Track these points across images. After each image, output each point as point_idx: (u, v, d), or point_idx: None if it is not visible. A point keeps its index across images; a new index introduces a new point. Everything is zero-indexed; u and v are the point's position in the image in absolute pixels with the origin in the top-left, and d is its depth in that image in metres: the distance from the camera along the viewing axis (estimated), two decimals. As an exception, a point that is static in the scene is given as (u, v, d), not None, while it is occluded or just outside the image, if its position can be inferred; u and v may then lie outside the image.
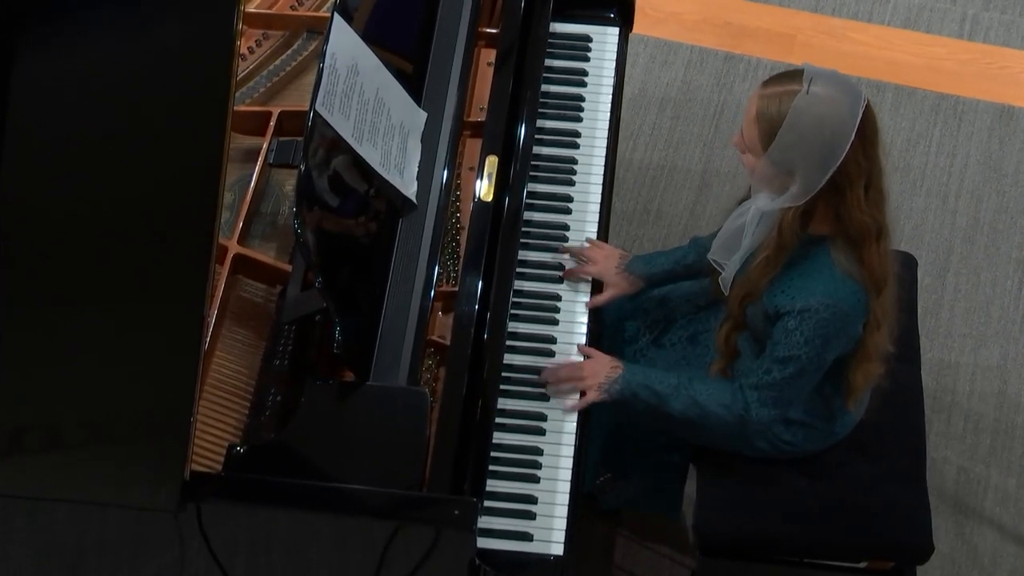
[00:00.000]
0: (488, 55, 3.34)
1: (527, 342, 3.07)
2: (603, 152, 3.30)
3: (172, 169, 2.57)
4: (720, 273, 2.98)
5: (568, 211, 3.23)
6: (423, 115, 3.16)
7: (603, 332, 3.23)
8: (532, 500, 2.88)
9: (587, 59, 3.42)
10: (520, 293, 3.12)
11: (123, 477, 2.62)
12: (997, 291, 4.10)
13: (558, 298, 3.13)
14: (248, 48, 3.31)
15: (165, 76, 2.58)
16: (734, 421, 2.96)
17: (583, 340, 3.07)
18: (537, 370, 3.02)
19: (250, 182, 3.10)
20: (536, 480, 2.90)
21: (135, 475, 2.62)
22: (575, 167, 3.28)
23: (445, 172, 3.11)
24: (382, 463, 2.72)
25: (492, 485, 2.86)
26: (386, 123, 3.02)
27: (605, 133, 3.33)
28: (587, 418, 3.01)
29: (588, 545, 3.62)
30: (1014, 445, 3.86)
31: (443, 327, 3.00)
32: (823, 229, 2.84)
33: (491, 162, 3.14)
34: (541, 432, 2.96)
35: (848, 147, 2.72)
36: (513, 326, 3.06)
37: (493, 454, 2.88)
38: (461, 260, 3.04)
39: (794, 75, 2.77)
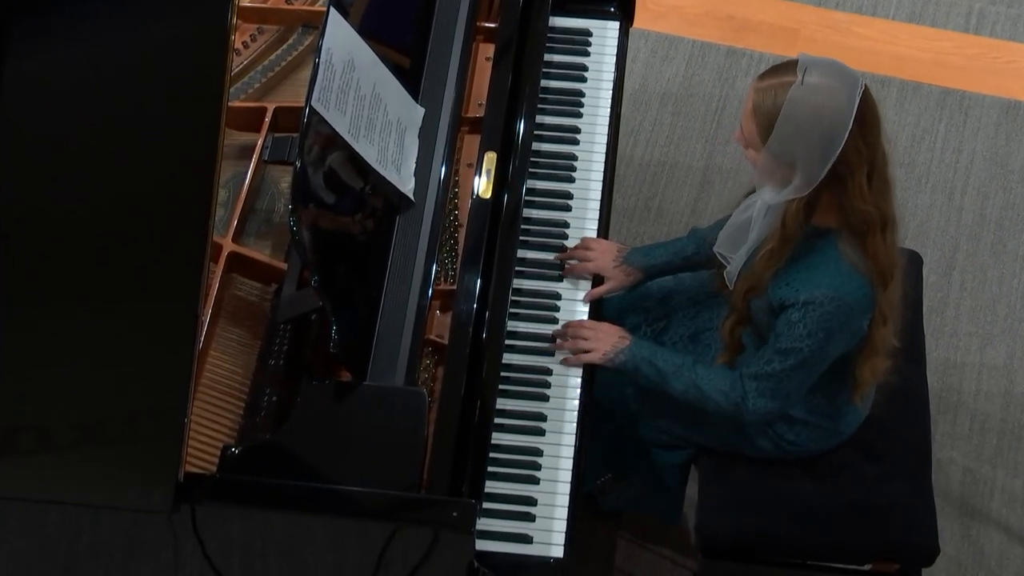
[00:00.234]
0: (487, 50, 3.34)
1: (526, 341, 3.07)
2: (603, 148, 3.30)
3: (165, 166, 2.57)
4: (725, 267, 2.99)
5: (568, 208, 3.23)
6: (420, 111, 3.16)
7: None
8: (532, 502, 2.88)
9: (587, 54, 3.42)
10: (519, 292, 3.12)
11: (116, 479, 2.62)
12: (1004, 289, 4.11)
13: (558, 296, 3.13)
14: (243, 43, 3.31)
15: (158, 71, 2.58)
16: (731, 409, 2.98)
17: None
18: (537, 369, 3.03)
19: (245, 179, 3.10)
20: (536, 481, 2.91)
21: (128, 477, 2.62)
22: (575, 164, 3.28)
23: (443, 169, 3.11)
24: (379, 464, 2.72)
25: (491, 486, 2.86)
26: (383, 119, 3.02)
27: (605, 129, 3.33)
28: (587, 418, 3.01)
29: (588, 547, 3.62)
30: (1021, 446, 3.86)
31: (441, 326, 3.00)
32: (829, 221, 2.85)
33: (490, 158, 3.14)
34: (541, 433, 2.96)
35: (847, 135, 2.72)
36: (512, 325, 3.06)
37: (492, 455, 2.88)
38: (459, 258, 3.05)
39: (789, 66, 2.77)
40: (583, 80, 3.39)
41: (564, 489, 2.90)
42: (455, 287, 2.99)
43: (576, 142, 3.31)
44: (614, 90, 3.38)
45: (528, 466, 2.92)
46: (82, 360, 2.59)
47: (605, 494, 3.47)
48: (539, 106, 3.30)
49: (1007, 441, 3.87)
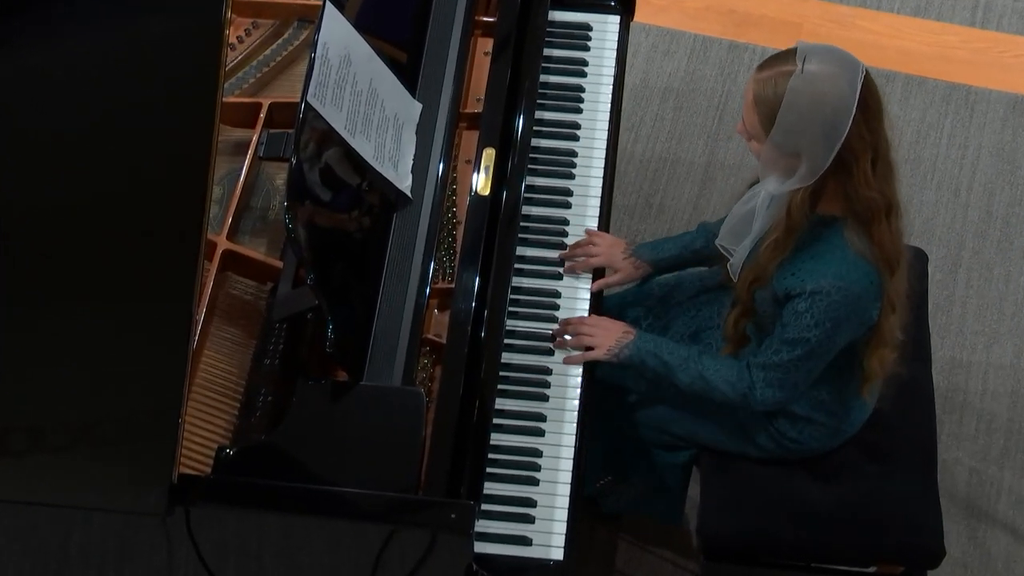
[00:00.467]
0: (485, 44, 3.34)
1: (526, 340, 3.07)
2: (604, 144, 3.30)
3: (159, 163, 2.58)
4: (729, 260, 2.99)
5: (568, 205, 3.24)
6: (418, 106, 3.16)
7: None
8: (531, 503, 2.88)
9: (587, 48, 3.42)
10: (518, 290, 3.12)
11: (109, 480, 2.62)
12: (1010, 287, 4.11)
13: (557, 295, 3.13)
14: (237, 37, 3.31)
15: (152, 67, 2.58)
16: (738, 400, 2.99)
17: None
18: (536, 369, 3.03)
19: (240, 176, 3.10)
20: (535, 483, 2.91)
21: (121, 478, 2.62)
22: (575, 160, 3.28)
23: (441, 165, 3.11)
24: (376, 465, 2.72)
25: (490, 488, 2.87)
26: (380, 115, 3.02)
27: (606, 125, 3.33)
28: (587, 419, 3.01)
29: (589, 549, 3.62)
30: (1028, 446, 3.87)
31: (439, 325, 3.00)
32: (834, 209, 2.85)
33: (488, 155, 3.14)
34: (540, 433, 2.96)
35: (850, 122, 2.73)
36: (511, 324, 3.07)
37: (491, 456, 2.89)
38: (457, 256, 3.05)
39: (788, 55, 2.78)
40: (583, 75, 3.39)
41: (564, 490, 2.90)
42: (453, 285, 2.99)
43: (576, 138, 3.31)
44: (614, 85, 3.38)
45: (527, 467, 2.92)
46: (75, 360, 2.59)
47: (605, 496, 3.48)
48: (538, 102, 3.30)
49: (1014, 441, 3.87)
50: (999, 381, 3.96)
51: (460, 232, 3.09)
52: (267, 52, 3.31)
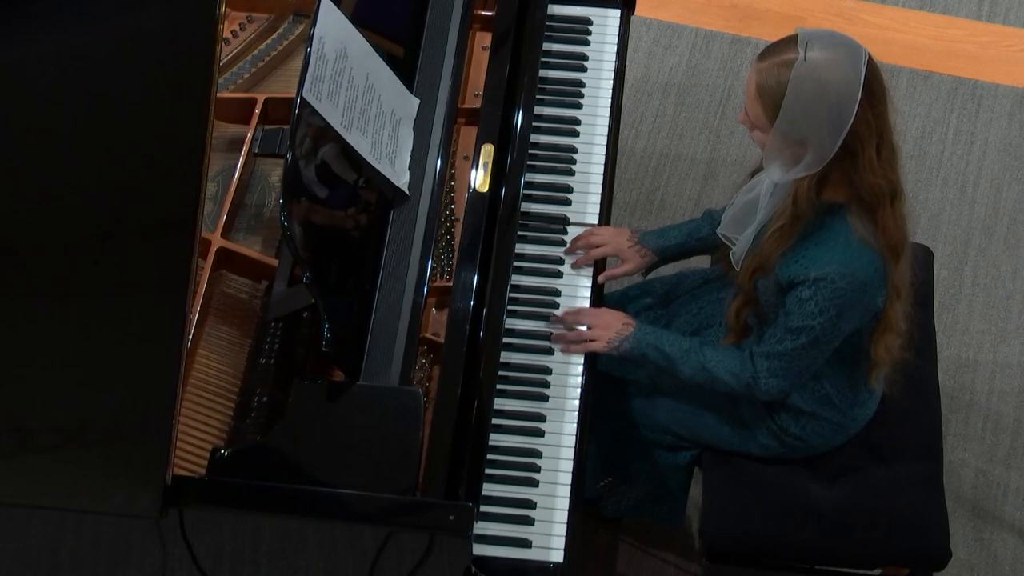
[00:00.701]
0: (483, 39, 3.34)
1: (525, 339, 3.07)
2: (604, 140, 3.30)
3: (152, 159, 2.58)
4: (730, 248, 3.00)
5: (568, 202, 3.24)
6: (415, 102, 3.16)
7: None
8: (531, 505, 2.88)
9: (587, 43, 3.42)
10: (517, 288, 3.12)
11: (101, 482, 2.62)
12: (1018, 284, 4.11)
13: (557, 293, 3.14)
14: (231, 32, 3.31)
15: (144, 61, 2.58)
16: (741, 390, 3.00)
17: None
18: (535, 368, 3.03)
19: (234, 173, 3.10)
20: (535, 484, 2.91)
21: (113, 480, 2.62)
22: (575, 156, 3.28)
23: (439, 161, 3.11)
24: (373, 466, 2.72)
25: (489, 489, 2.87)
26: (377, 110, 3.02)
27: (606, 120, 3.33)
28: (587, 419, 3.02)
29: (589, 552, 3.62)
30: (1035, 446, 3.87)
31: (437, 324, 3.00)
32: (837, 196, 2.86)
33: (487, 151, 3.14)
34: (540, 434, 2.96)
35: (856, 107, 2.73)
36: (510, 323, 3.07)
37: (490, 457, 2.89)
38: (455, 254, 3.05)
39: (789, 42, 2.78)
40: (583, 70, 3.39)
41: (564, 492, 2.90)
42: (451, 284, 2.99)
43: (576, 134, 3.31)
44: (615, 80, 3.38)
45: (527, 468, 2.92)
46: (66, 359, 2.59)
47: (606, 499, 3.48)
48: (538, 97, 3.30)
49: (1021, 442, 3.87)
50: (1006, 380, 3.96)
51: (458, 229, 3.09)
52: (262, 47, 3.31)
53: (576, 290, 3.15)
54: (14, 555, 2.74)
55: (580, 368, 3.04)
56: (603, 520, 3.61)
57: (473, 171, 3.12)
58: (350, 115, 2.93)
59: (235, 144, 3.16)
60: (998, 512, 3.76)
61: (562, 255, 3.17)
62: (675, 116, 4.38)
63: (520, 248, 3.15)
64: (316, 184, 2.85)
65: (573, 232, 3.20)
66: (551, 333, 3.07)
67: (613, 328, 3.06)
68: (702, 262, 3.71)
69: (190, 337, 2.83)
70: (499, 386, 2.97)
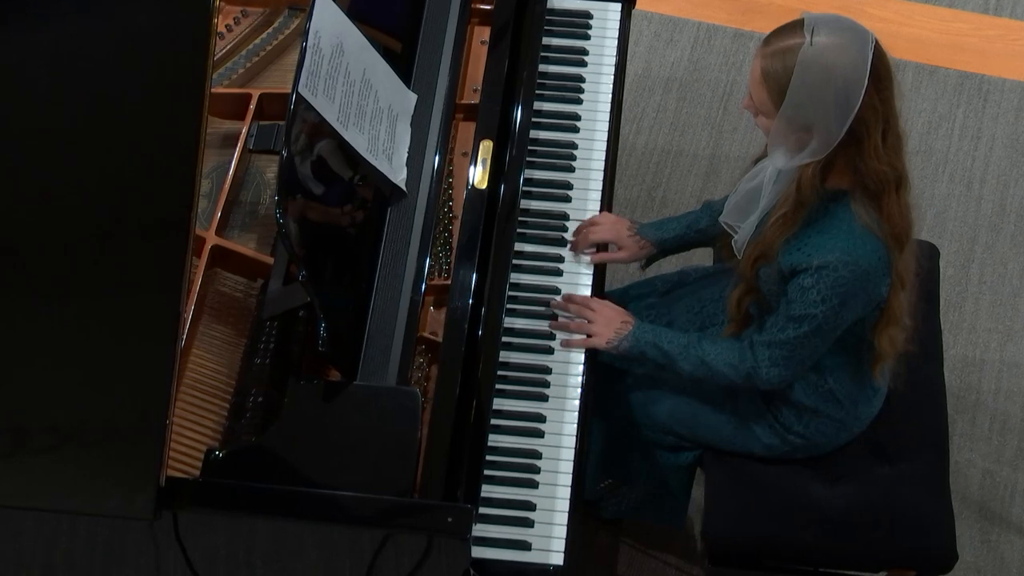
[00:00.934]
0: (482, 33, 3.35)
1: (524, 339, 3.07)
2: (604, 136, 3.31)
3: (145, 156, 2.58)
4: (732, 237, 3.00)
5: (567, 199, 3.24)
6: (413, 97, 3.16)
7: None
8: (530, 507, 2.88)
9: (587, 37, 3.43)
10: (516, 286, 3.12)
11: (94, 484, 2.62)
12: (1024, 283, 4.12)
13: (557, 292, 3.14)
14: (226, 26, 3.31)
15: (137, 57, 2.58)
16: (742, 381, 3.01)
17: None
18: (535, 368, 3.03)
19: (229, 169, 3.10)
20: (534, 485, 2.91)
21: (107, 482, 2.62)
22: (575, 152, 3.28)
23: (436, 158, 3.11)
24: (370, 467, 2.72)
25: (488, 491, 2.87)
26: (373, 106, 3.02)
27: (607, 116, 3.33)
28: (588, 419, 3.02)
29: (589, 554, 3.62)
30: (1043, 446, 3.87)
31: (435, 323, 3.01)
32: (841, 183, 2.86)
33: (485, 147, 3.14)
34: (539, 434, 2.97)
35: (863, 93, 2.74)
36: (509, 321, 3.07)
37: (489, 458, 2.89)
38: (454, 251, 3.05)
39: (794, 27, 2.78)
40: (583, 65, 3.39)
41: (564, 493, 2.91)
42: (449, 282, 2.99)
43: (576, 130, 3.31)
44: (616, 75, 3.39)
45: (526, 469, 2.93)
46: (59, 359, 2.60)
47: (607, 500, 3.48)
48: (537, 92, 3.30)
49: (1028, 442, 3.88)
50: (1013, 380, 3.96)
51: (456, 227, 3.09)
52: (257, 41, 3.31)
53: (577, 288, 3.15)
54: (7, 557, 2.74)
55: (580, 368, 3.05)
56: (604, 522, 3.61)
57: (472, 168, 3.12)
58: (346, 111, 2.94)
59: (230, 140, 3.16)
60: (1005, 514, 3.76)
61: (562, 253, 3.17)
62: (677, 111, 4.38)
63: (519, 246, 3.15)
64: (312, 181, 2.85)
65: (573, 229, 3.20)
66: (552, 321, 3.07)
67: (612, 326, 3.06)
68: (704, 259, 3.72)
69: (184, 336, 2.83)
70: (498, 386, 2.97)
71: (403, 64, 3.17)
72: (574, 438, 2.97)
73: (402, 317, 2.92)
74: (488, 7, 3.34)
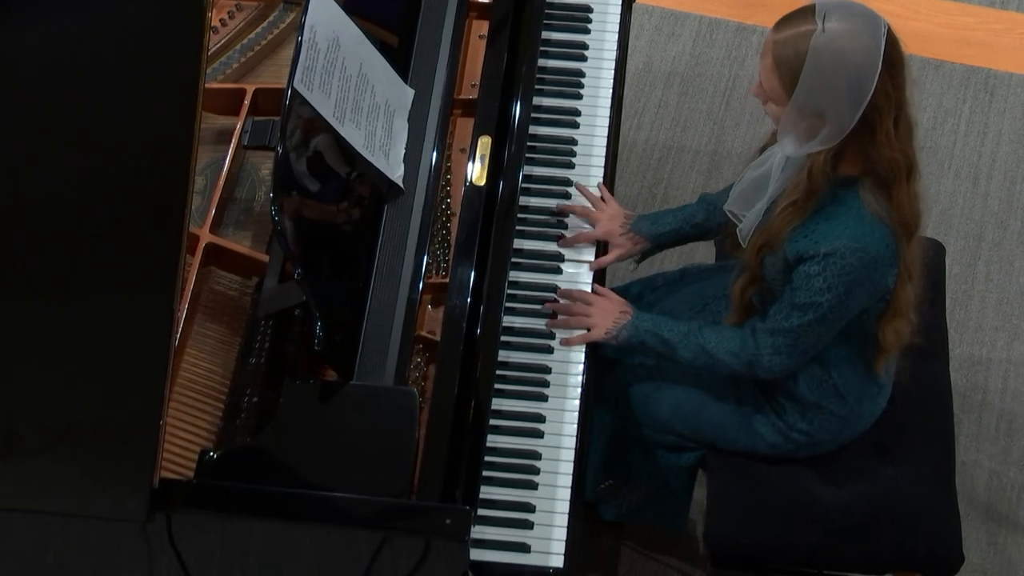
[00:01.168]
0: (480, 27, 3.35)
1: (523, 338, 3.07)
2: (605, 132, 3.31)
3: (138, 153, 2.58)
4: (737, 225, 3.01)
5: (568, 196, 3.24)
6: (410, 92, 3.16)
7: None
8: (530, 508, 2.89)
9: (587, 31, 3.43)
10: (515, 285, 3.12)
11: (86, 485, 2.62)
12: (1032, 280, 4.12)
13: (556, 290, 3.14)
14: (220, 20, 3.31)
15: (130, 51, 2.58)
16: (743, 370, 3.01)
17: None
18: (534, 367, 3.04)
19: (223, 166, 3.10)
20: (534, 487, 2.91)
21: (99, 483, 2.62)
22: (575, 148, 3.29)
23: (434, 154, 3.11)
24: (367, 469, 2.72)
25: (486, 492, 2.87)
26: (370, 101, 3.02)
27: (607, 111, 3.33)
28: (588, 420, 3.02)
29: (590, 556, 3.63)
30: (1050, 447, 3.87)
31: (433, 322, 3.01)
32: (851, 170, 2.87)
33: (484, 143, 3.14)
34: (539, 435, 2.97)
35: (876, 79, 2.74)
36: (508, 320, 3.07)
37: (487, 459, 2.89)
38: (452, 249, 3.05)
39: (806, 13, 2.79)
40: (583, 59, 3.39)
41: (564, 495, 2.91)
42: (447, 280, 2.99)
43: (576, 125, 3.31)
44: (616, 70, 3.39)
45: (526, 470, 2.93)
46: (50, 359, 2.60)
47: (607, 501, 3.48)
48: (536, 87, 3.30)
49: (1036, 442, 3.88)
50: (1020, 379, 3.96)
51: (454, 224, 3.09)
52: (252, 35, 3.32)
53: (576, 286, 3.15)
54: (-2, 560, 2.75)
55: (580, 367, 3.05)
56: (604, 523, 3.61)
57: (470, 164, 3.12)
58: (343, 106, 2.94)
59: (224, 136, 3.16)
60: (1012, 515, 3.76)
61: (561, 251, 3.17)
62: (678, 107, 4.38)
63: (518, 243, 3.15)
64: (308, 177, 2.85)
65: (573, 226, 3.20)
66: (552, 313, 3.07)
67: (611, 316, 3.07)
68: (707, 256, 3.72)
69: (178, 336, 2.83)
70: (497, 386, 2.97)
71: (400, 59, 3.17)
72: (574, 439, 2.97)
73: (399, 316, 2.92)
74: (487, 1, 3.34)
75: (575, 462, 2.95)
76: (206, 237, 3.01)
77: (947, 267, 3.55)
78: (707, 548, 3.19)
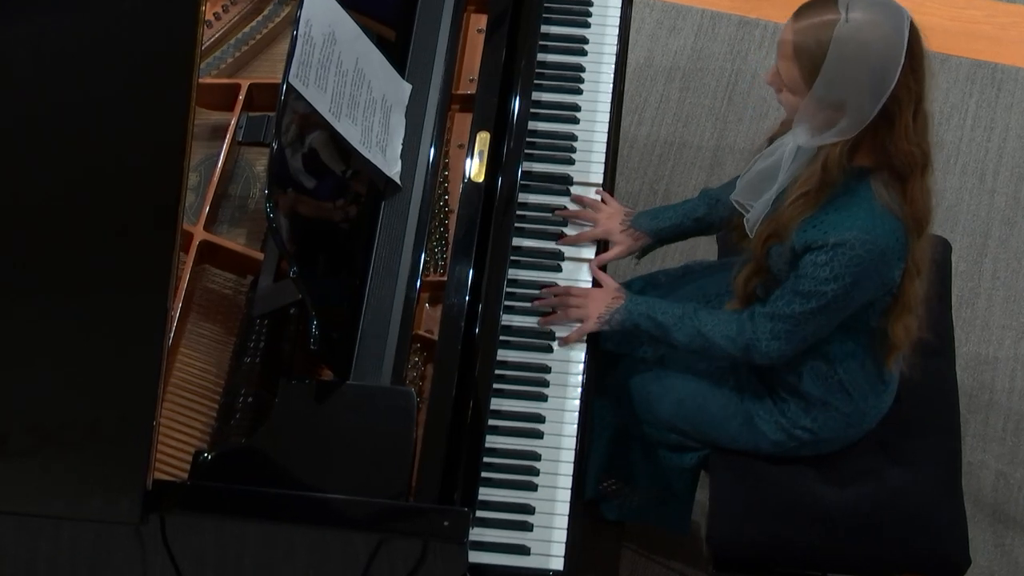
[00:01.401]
0: (478, 21, 3.35)
1: (522, 337, 3.07)
2: (605, 128, 3.31)
3: (131, 149, 2.58)
4: (743, 217, 3.01)
5: (567, 193, 3.24)
6: (407, 87, 3.16)
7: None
8: (529, 510, 2.89)
9: (587, 25, 3.43)
10: (515, 283, 3.12)
11: (78, 487, 2.62)
12: (1039, 278, 4.12)
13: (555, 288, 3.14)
14: (214, 14, 3.31)
15: (122, 46, 2.58)
16: (739, 355, 3.02)
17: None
18: (534, 367, 3.04)
19: (217, 162, 3.10)
20: (533, 488, 2.91)
21: (92, 485, 2.62)
22: (575, 144, 3.29)
23: (432, 150, 3.11)
24: (364, 470, 2.72)
25: (485, 494, 2.87)
26: (367, 96, 3.03)
27: (608, 107, 3.33)
28: (588, 420, 3.02)
29: (590, 559, 3.63)
30: (1058, 447, 3.87)
31: (430, 320, 3.01)
32: (864, 161, 2.87)
33: (482, 139, 3.14)
34: (539, 435, 2.97)
35: (899, 71, 2.75)
36: (507, 319, 3.07)
37: (486, 460, 2.89)
38: (450, 247, 3.05)
39: (827, 2, 2.79)
40: (583, 54, 3.39)
41: (564, 496, 2.91)
42: (445, 278, 2.99)
43: (576, 121, 3.31)
44: (617, 64, 3.39)
45: (525, 471, 2.93)
46: (41, 359, 2.60)
47: (608, 501, 3.48)
48: (536, 82, 3.30)
49: (1043, 442, 3.88)
50: (1027, 378, 3.97)
51: (452, 221, 3.09)
52: (246, 30, 3.32)
53: (576, 283, 3.15)
54: (-12, 563, 2.75)
55: (580, 367, 3.05)
56: (606, 522, 3.61)
57: (468, 160, 3.12)
58: (339, 101, 2.94)
59: (218, 132, 3.16)
60: (1020, 517, 3.76)
61: (561, 248, 3.17)
62: (680, 102, 4.38)
63: (517, 241, 3.15)
64: (303, 174, 2.85)
65: (572, 223, 3.21)
66: (541, 318, 3.07)
67: (602, 302, 3.07)
68: (709, 253, 3.72)
69: (171, 335, 2.83)
70: (496, 385, 2.97)
71: (397, 53, 3.17)
72: (574, 439, 2.97)
73: (397, 315, 2.92)
74: (485, -6, 3.35)
75: (575, 463, 2.95)
76: (200, 234, 3.01)
77: (953, 264, 3.55)
78: (709, 550, 3.19)
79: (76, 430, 2.59)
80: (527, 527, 2.86)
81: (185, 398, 2.89)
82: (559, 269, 3.16)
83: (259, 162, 3.17)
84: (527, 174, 3.23)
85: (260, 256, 3.00)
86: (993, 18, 4.55)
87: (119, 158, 2.58)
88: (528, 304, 3.11)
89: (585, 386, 3.03)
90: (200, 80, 2.61)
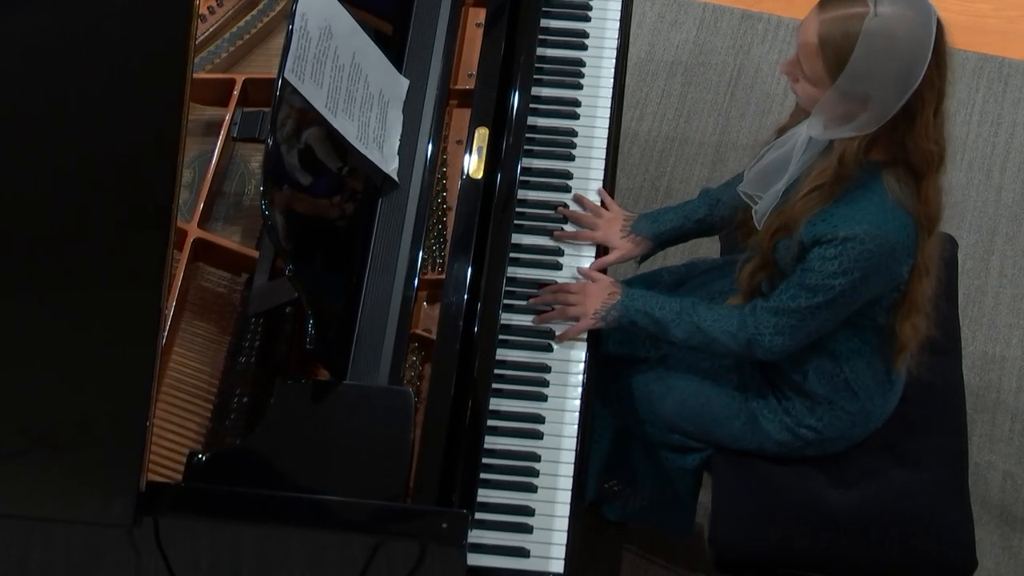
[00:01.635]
0: (477, 15, 3.35)
1: (522, 336, 3.07)
2: (606, 123, 3.31)
3: (124, 144, 2.58)
4: (743, 218, 3.01)
5: (567, 189, 3.24)
6: (405, 83, 3.16)
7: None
8: (529, 512, 2.89)
9: (588, 19, 3.43)
10: (514, 281, 3.12)
11: (70, 489, 2.62)
12: (1047, 276, 4.12)
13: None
14: (208, 8, 3.31)
15: (114, 40, 2.58)
16: (740, 350, 3.02)
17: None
18: (533, 366, 3.04)
19: (212, 158, 3.10)
20: (533, 489, 2.91)
21: (83, 486, 2.62)
22: (575, 140, 3.29)
23: (430, 146, 3.11)
24: (361, 471, 2.72)
25: (484, 495, 2.87)
26: (363, 92, 3.03)
27: (608, 102, 3.33)
28: (589, 420, 3.02)
29: (591, 561, 3.63)
30: (1066, 447, 3.88)
31: (428, 319, 3.01)
32: (879, 155, 2.87)
33: (481, 135, 3.14)
34: (538, 436, 2.97)
35: (926, 67, 2.75)
36: (506, 318, 3.07)
37: (485, 461, 2.89)
38: (448, 244, 3.05)
39: None
40: (583, 48, 3.39)
41: (564, 498, 2.91)
42: (443, 276, 3.00)
43: (576, 116, 3.31)
44: (618, 59, 3.39)
45: (525, 472, 2.93)
46: (32, 358, 2.60)
47: (610, 502, 3.48)
48: (535, 77, 3.30)
49: (1051, 443, 3.88)
50: (1035, 378, 3.97)
51: (451, 218, 3.09)
52: (241, 24, 3.32)
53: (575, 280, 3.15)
54: (-22, 567, 2.75)
55: (581, 367, 3.05)
56: (607, 523, 3.61)
57: (466, 156, 3.12)
58: (335, 97, 2.94)
59: (212, 128, 3.16)
60: (1027, 518, 3.77)
61: (561, 246, 3.18)
62: (682, 97, 4.38)
63: (516, 238, 3.15)
64: (299, 171, 2.85)
65: (573, 224, 3.21)
66: (535, 316, 3.07)
67: (598, 298, 3.07)
68: (712, 251, 3.72)
69: (165, 334, 2.83)
70: (495, 385, 2.97)
71: (394, 48, 3.17)
72: (574, 440, 2.97)
73: (394, 313, 2.92)
74: (483, -12, 3.35)
75: (575, 464, 2.95)
76: (194, 232, 3.01)
77: (960, 262, 3.55)
78: (712, 552, 3.20)
79: (68, 431, 2.59)
80: (527, 529, 2.87)
81: (179, 398, 2.89)
82: (559, 267, 3.16)
83: (254, 158, 3.17)
84: (526, 170, 3.23)
85: (255, 254, 3.00)
86: (1001, 12, 4.55)
87: (112, 155, 2.58)
88: (528, 303, 3.10)
89: (585, 386, 3.03)
90: (194, 75, 2.61)
